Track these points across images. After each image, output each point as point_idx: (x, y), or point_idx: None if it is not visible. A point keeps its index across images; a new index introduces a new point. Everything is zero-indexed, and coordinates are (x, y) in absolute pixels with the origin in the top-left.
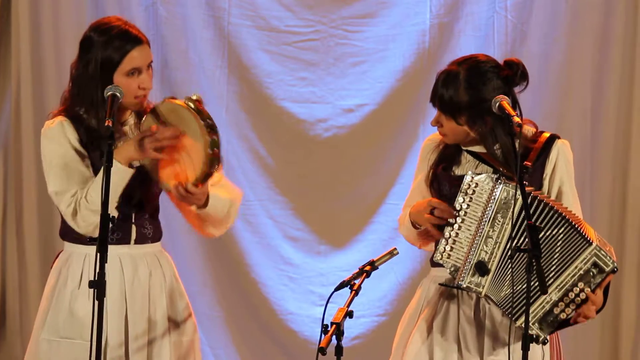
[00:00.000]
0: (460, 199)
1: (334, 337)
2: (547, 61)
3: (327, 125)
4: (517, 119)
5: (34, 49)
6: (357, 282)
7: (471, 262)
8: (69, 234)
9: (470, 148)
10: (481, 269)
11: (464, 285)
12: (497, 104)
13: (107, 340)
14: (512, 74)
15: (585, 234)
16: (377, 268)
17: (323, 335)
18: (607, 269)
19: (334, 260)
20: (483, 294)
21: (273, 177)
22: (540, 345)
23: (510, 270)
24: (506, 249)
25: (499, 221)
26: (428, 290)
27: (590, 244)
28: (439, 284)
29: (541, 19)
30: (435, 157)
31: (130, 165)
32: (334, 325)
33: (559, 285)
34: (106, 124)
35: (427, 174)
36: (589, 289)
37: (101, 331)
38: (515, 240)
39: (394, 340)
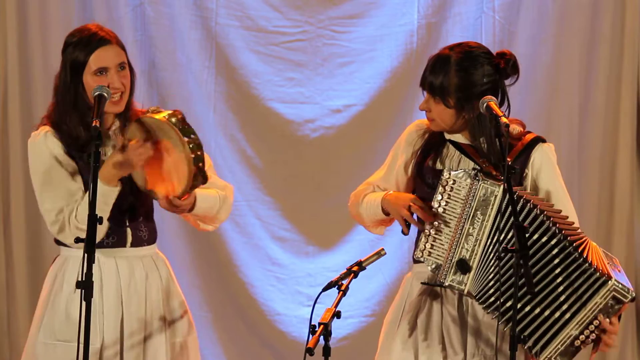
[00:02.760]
0: (438, 196)
1: (321, 337)
2: (534, 62)
3: (315, 126)
4: (504, 120)
5: (22, 50)
6: (344, 282)
7: (452, 260)
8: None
9: (454, 137)
10: (463, 267)
11: (447, 284)
12: (485, 105)
13: (103, 343)
14: (503, 64)
15: (597, 267)
16: (365, 268)
17: (311, 336)
18: (625, 300)
19: (321, 260)
20: (466, 291)
21: (261, 178)
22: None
23: (493, 268)
24: (486, 246)
25: (479, 218)
26: (411, 287)
27: (609, 279)
28: (422, 282)
29: (529, 20)
30: (420, 145)
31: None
32: (322, 326)
33: (579, 321)
34: (93, 124)
35: (408, 161)
36: (607, 320)
37: (89, 331)
38: (496, 238)
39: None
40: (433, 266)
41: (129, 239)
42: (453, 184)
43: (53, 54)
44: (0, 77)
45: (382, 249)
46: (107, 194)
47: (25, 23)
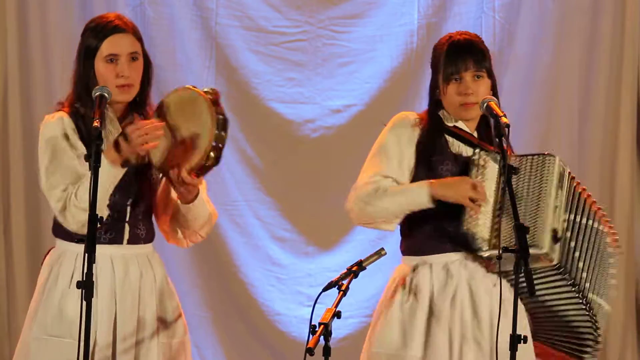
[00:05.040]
0: (472, 176)
1: (322, 337)
2: (535, 62)
3: (315, 126)
4: (505, 120)
5: (22, 49)
6: (345, 282)
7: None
8: (61, 231)
9: (458, 124)
10: (555, 237)
11: (543, 251)
12: (485, 105)
13: (95, 340)
14: None
15: None
16: (365, 268)
17: (311, 336)
18: None
19: (321, 260)
20: (556, 260)
21: (261, 178)
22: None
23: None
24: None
25: (546, 191)
26: (403, 272)
27: None
28: (485, 257)
29: (529, 20)
30: (419, 137)
31: (123, 164)
32: (322, 326)
33: None
34: (94, 125)
35: (413, 152)
36: None
37: (89, 331)
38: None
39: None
40: (472, 237)
41: (126, 235)
42: (485, 163)
43: (53, 54)
44: (0, 76)
45: (382, 249)
46: (113, 175)
47: (25, 23)
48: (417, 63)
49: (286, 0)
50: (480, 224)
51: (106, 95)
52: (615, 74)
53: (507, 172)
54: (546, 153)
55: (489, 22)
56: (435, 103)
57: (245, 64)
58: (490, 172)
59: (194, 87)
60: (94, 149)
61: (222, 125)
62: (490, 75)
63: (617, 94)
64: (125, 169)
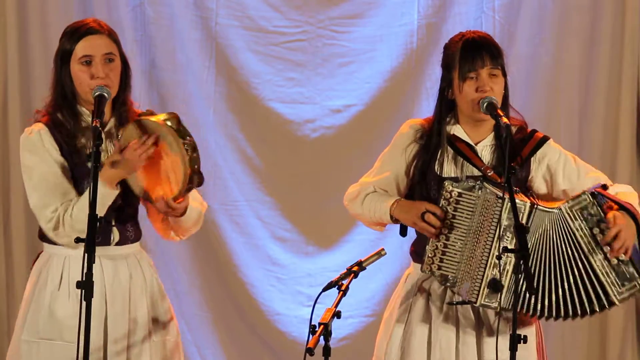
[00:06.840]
0: (443, 209)
1: (322, 337)
2: (535, 62)
3: (315, 126)
4: (505, 120)
5: (22, 50)
6: (345, 282)
7: (483, 280)
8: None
9: (457, 131)
10: (495, 286)
11: (478, 304)
12: (485, 104)
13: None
14: None
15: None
16: (365, 269)
17: (311, 336)
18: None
19: (322, 260)
20: (498, 309)
21: (261, 178)
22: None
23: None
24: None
25: (508, 237)
26: (412, 285)
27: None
28: (448, 303)
29: (529, 20)
30: (419, 149)
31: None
32: (322, 326)
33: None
34: (93, 125)
35: (409, 165)
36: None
37: (89, 332)
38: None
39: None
40: (440, 278)
41: (115, 238)
42: (458, 196)
43: (53, 54)
44: (0, 77)
45: (382, 249)
46: (105, 196)
47: (25, 23)
48: (417, 63)
49: (286, 0)
50: (444, 263)
51: (105, 95)
52: (615, 74)
53: (507, 171)
54: (477, 184)
55: (489, 22)
56: (446, 105)
57: (245, 64)
58: (464, 205)
59: (150, 114)
60: (94, 148)
61: (192, 148)
62: (504, 74)
63: (617, 93)
64: (119, 190)
